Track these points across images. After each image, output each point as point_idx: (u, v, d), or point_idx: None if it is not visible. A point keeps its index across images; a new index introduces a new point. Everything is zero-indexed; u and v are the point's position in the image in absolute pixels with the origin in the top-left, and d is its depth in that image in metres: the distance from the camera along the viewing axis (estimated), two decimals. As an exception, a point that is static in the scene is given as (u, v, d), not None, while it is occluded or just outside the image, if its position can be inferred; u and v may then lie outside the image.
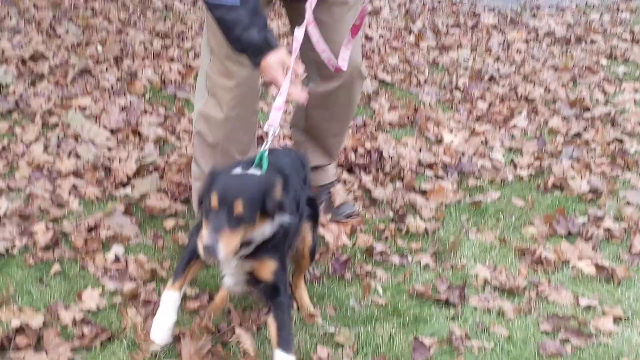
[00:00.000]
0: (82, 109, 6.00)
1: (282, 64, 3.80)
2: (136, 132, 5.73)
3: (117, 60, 7.01)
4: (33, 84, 6.35)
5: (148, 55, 7.20)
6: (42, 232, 4.42)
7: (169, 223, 4.70)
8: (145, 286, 4.08)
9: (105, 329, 3.71)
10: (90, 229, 4.54)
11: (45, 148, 5.36)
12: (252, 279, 3.53)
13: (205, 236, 3.14)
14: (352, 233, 4.77)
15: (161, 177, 5.15)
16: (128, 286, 4.06)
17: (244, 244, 3.31)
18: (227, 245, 3.18)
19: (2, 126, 5.62)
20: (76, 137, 5.55)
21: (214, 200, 3.17)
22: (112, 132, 5.70)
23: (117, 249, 4.37)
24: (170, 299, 3.45)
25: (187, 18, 8.35)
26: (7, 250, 4.26)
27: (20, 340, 3.57)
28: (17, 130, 5.59)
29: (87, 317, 3.81)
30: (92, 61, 6.90)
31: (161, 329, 3.43)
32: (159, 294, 3.96)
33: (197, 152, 4.50)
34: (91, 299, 3.95)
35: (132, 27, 7.87)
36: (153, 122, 5.94)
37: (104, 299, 3.96)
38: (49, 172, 5.11)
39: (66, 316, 3.78)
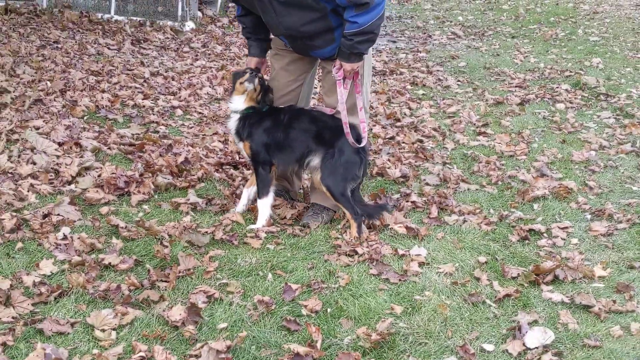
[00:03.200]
0: (37, 128, 5.75)
1: None
2: (78, 144, 5.54)
3: (63, 92, 6.77)
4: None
5: (85, 88, 6.98)
6: (8, 219, 4.22)
7: (104, 209, 4.57)
8: (87, 256, 3.96)
9: (57, 288, 3.59)
10: (44, 216, 4.36)
11: (9, 157, 5.13)
12: None
13: None
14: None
15: (98, 176, 5.01)
16: (73, 256, 3.94)
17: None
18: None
19: (-26, 143, 5.36)
20: (32, 149, 5.33)
21: None
22: (60, 144, 5.49)
23: (65, 230, 4.22)
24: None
25: (114, 60, 8.12)
26: (-19, 233, 4.08)
27: (-7, 299, 3.43)
28: (-15, 145, 5.35)
29: (44, 280, 3.67)
30: (43, 93, 6.64)
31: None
32: (97, 262, 3.88)
33: None
34: (46, 266, 3.81)
35: (73, 67, 7.61)
36: (90, 136, 5.76)
37: (56, 266, 3.83)
38: (12, 175, 4.90)
39: (28, 280, 3.63)
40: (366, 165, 4.73)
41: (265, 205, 4.58)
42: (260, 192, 4.59)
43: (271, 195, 4.61)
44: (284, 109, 4.65)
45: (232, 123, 4.65)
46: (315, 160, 4.55)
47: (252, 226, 4.54)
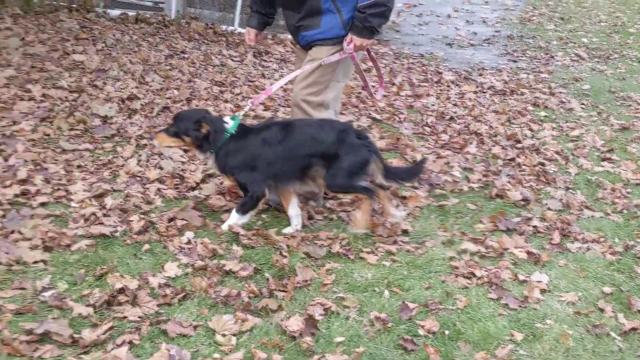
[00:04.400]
0: (164, 134, 5.98)
1: None
2: (202, 152, 5.71)
3: (188, 101, 7.00)
4: (129, 116, 6.33)
5: (209, 98, 7.19)
6: (136, 221, 4.41)
7: (225, 216, 4.68)
8: (209, 261, 4.07)
9: (181, 291, 3.70)
10: (170, 220, 4.52)
11: (138, 162, 5.35)
12: None
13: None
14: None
15: (220, 183, 5.14)
16: (196, 261, 4.05)
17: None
18: (159, 140, 4.52)
19: (108, 146, 5.61)
20: (160, 154, 5.54)
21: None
22: (185, 151, 5.68)
23: (188, 234, 4.36)
24: None
25: (236, 71, 8.33)
26: (111, 233, 4.25)
27: (122, 298, 3.56)
28: (118, 149, 5.58)
29: (169, 282, 3.80)
30: (170, 101, 6.89)
31: None
32: (219, 267, 3.97)
33: None
34: (171, 269, 3.93)
35: (199, 77, 7.86)
36: (213, 144, 5.93)
37: (180, 269, 3.94)
38: (140, 179, 5.10)
39: (153, 281, 3.76)
40: (377, 156, 4.61)
41: (235, 219, 4.54)
42: (241, 210, 4.54)
43: (248, 216, 4.58)
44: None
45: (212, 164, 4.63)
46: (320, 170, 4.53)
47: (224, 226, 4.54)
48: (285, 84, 5.19)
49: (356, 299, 3.82)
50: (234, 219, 4.52)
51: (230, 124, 4.53)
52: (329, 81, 4.71)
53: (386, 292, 3.94)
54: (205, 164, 5.08)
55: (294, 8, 4.69)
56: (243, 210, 4.52)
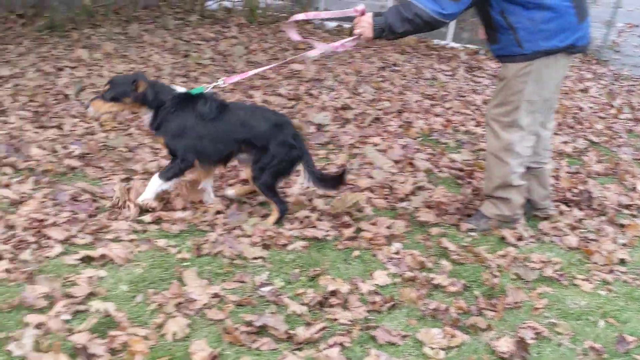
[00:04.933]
0: (375, 144, 6.10)
1: None
2: (411, 164, 5.76)
3: (399, 113, 7.09)
4: (342, 125, 6.53)
5: (420, 111, 7.23)
6: (345, 227, 4.53)
7: (434, 230, 4.67)
8: (418, 273, 4.08)
9: (390, 299, 3.74)
10: (374, 225, 4.61)
11: (350, 170, 5.49)
12: None
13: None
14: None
15: (429, 197, 5.15)
16: (405, 271, 4.08)
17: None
18: (95, 107, 4.46)
19: (322, 152, 5.81)
20: (370, 164, 5.65)
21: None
22: (395, 162, 5.76)
23: (397, 245, 4.41)
24: None
25: (447, 86, 8.32)
26: (324, 237, 4.39)
27: (333, 300, 3.67)
28: (331, 156, 5.77)
29: (377, 290, 3.86)
30: (382, 112, 7.02)
31: None
32: (428, 280, 3.97)
33: None
34: (380, 277, 3.98)
35: (409, 90, 7.93)
36: (423, 157, 5.95)
37: (388, 278, 3.99)
38: (352, 187, 5.22)
39: (363, 287, 3.83)
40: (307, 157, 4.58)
41: (157, 185, 4.50)
42: (164, 176, 4.49)
43: (170, 184, 4.54)
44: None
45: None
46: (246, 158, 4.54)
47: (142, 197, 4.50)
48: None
49: (569, 326, 3.67)
50: (155, 185, 4.49)
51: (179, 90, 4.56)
52: (518, 101, 4.38)
53: (601, 322, 3.75)
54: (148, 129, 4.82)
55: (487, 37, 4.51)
56: (167, 176, 4.48)
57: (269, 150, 4.43)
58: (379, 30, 4.14)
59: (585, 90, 8.87)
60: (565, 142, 6.67)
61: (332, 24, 10.60)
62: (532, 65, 4.27)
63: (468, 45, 10.42)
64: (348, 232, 4.47)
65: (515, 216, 4.72)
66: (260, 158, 4.44)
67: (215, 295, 3.63)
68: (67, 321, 3.31)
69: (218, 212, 4.59)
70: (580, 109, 7.99)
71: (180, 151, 4.47)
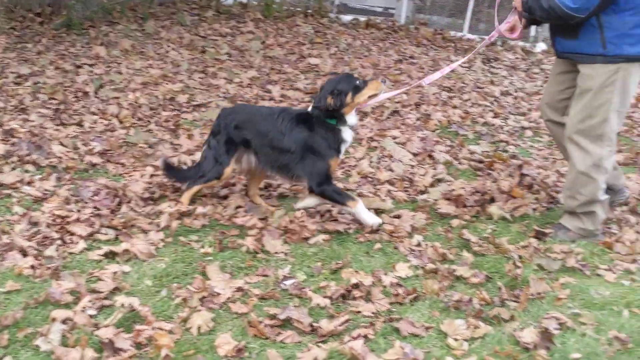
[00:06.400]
0: (394, 137, 6.11)
1: None
2: (430, 156, 5.76)
3: (417, 105, 7.09)
4: (361, 119, 6.53)
5: (438, 103, 7.23)
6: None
7: (455, 222, 4.68)
8: (440, 264, 4.08)
9: (412, 291, 3.75)
10: (396, 218, 4.63)
11: (369, 163, 5.51)
12: None
13: None
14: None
15: (450, 191, 5.14)
16: (427, 264, 4.09)
17: None
18: None
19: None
20: (390, 157, 5.66)
21: None
22: (414, 155, 5.76)
23: (418, 237, 4.41)
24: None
25: (465, 77, 8.30)
26: (345, 230, 4.41)
27: (356, 293, 3.68)
28: (351, 149, 5.77)
29: (400, 282, 3.87)
30: (399, 105, 7.02)
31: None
32: (450, 272, 3.97)
33: None
34: (402, 269, 4.00)
35: (427, 82, 7.93)
36: (442, 149, 5.95)
37: (410, 270, 4.00)
38: (372, 179, 5.24)
39: (385, 279, 3.85)
40: None
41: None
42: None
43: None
44: None
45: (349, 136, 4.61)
46: None
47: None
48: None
49: (593, 316, 3.65)
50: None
51: None
52: (606, 112, 4.22)
53: (625, 312, 3.73)
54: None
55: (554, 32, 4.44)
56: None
57: None
58: (526, 6, 4.25)
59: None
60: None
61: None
62: (617, 74, 4.15)
63: (484, 37, 10.37)
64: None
65: (596, 231, 4.55)
66: None
67: (239, 289, 3.66)
68: (93, 316, 3.35)
69: (238, 207, 4.62)
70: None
71: None
